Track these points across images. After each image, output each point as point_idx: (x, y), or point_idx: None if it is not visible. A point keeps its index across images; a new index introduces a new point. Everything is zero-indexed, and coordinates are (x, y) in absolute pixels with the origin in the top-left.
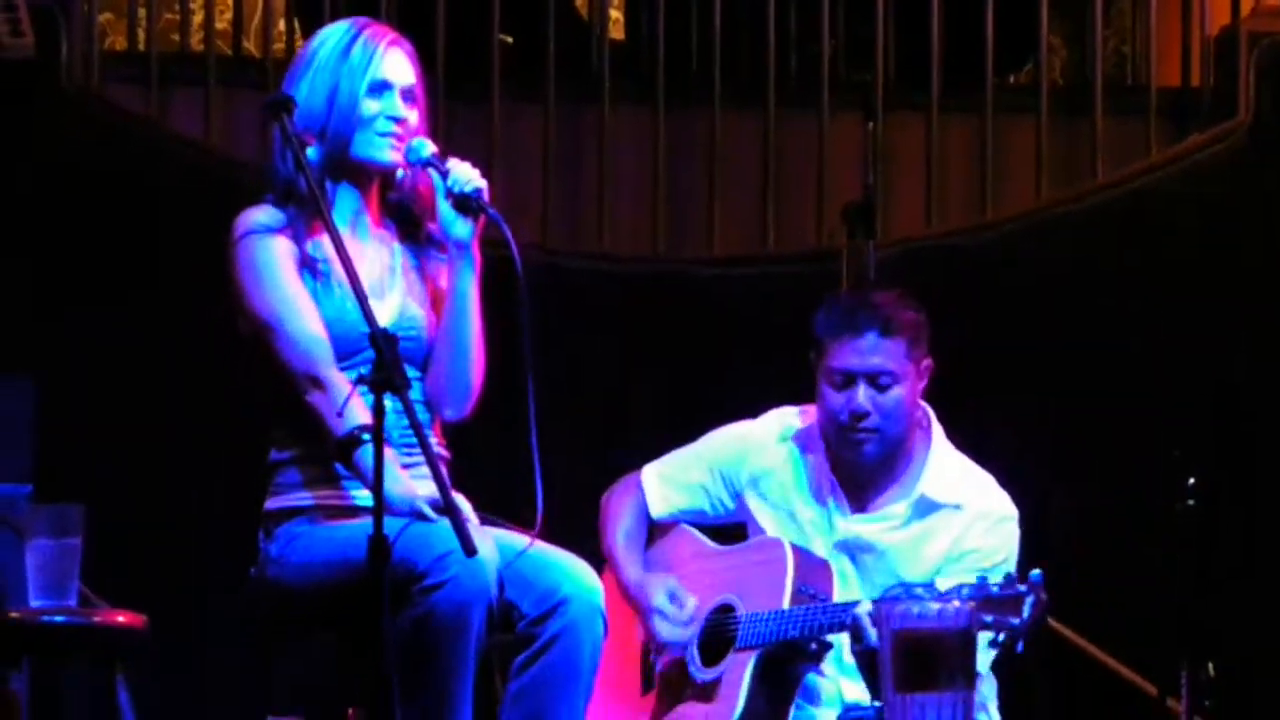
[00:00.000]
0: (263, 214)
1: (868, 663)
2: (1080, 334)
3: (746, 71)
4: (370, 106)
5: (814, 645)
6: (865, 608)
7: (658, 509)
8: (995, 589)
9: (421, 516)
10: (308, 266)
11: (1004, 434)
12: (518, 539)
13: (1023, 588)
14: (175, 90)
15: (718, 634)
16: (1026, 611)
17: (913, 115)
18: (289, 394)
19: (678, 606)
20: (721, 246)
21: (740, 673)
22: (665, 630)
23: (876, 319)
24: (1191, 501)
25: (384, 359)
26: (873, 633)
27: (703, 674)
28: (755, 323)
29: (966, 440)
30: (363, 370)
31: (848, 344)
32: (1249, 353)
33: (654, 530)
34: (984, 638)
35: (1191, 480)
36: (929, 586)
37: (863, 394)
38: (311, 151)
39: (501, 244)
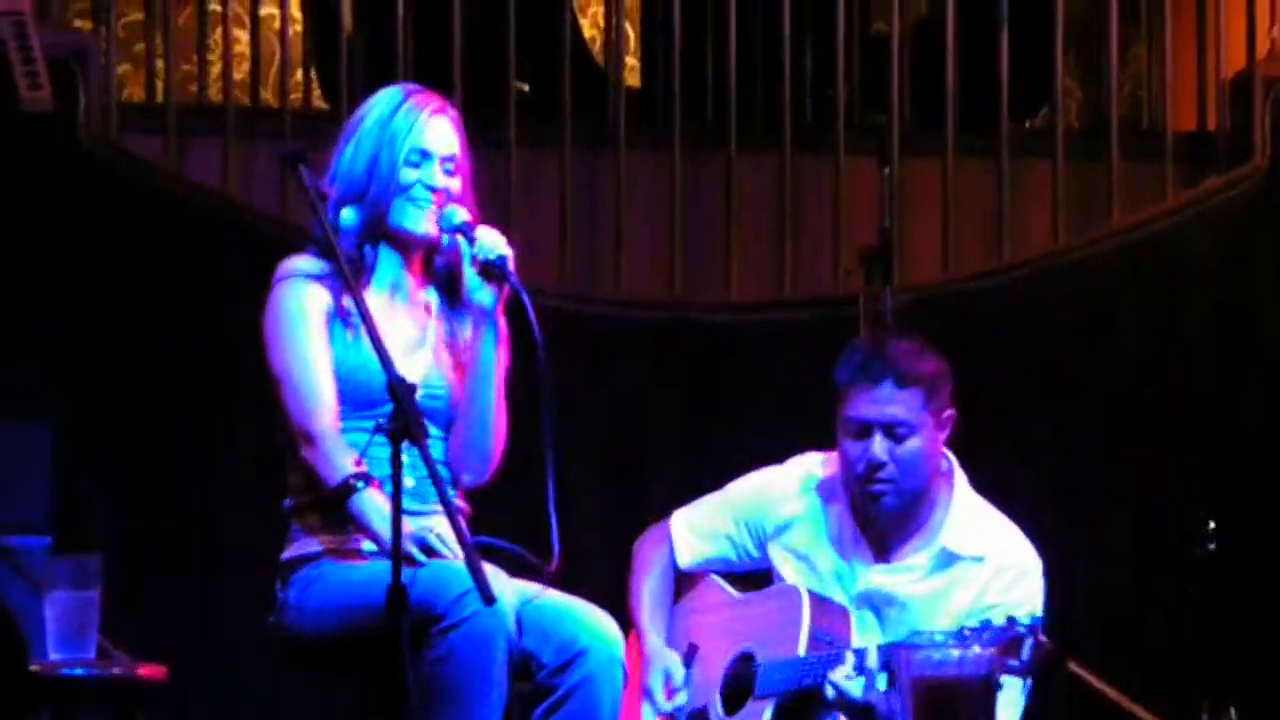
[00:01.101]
0: (305, 261)
1: (855, 717)
2: (1097, 378)
3: (762, 116)
4: (409, 175)
5: (831, 693)
6: (849, 662)
7: (685, 559)
8: (997, 632)
9: (410, 560)
10: (341, 317)
11: (1022, 479)
12: (534, 589)
13: (1022, 629)
14: (193, 141)
15: (739, 683)
16: (1025, 653)
17: (928, 159)
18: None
19: (667, 690)
20: (738, 291)
21: None
22: (645, 712)
23: (893, 369)
24: (1211, 545)
25: (401, 407)
26: (854, 685)
27: None
28: (772, 368)
29: (984, 486)
30: (381, 420)
31: (864, 393)
32: (1263, 396)
33: (682, 579)
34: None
35: (1211, 524)
36: (929, 634)
37: (879, 445)
38: (351, 214)
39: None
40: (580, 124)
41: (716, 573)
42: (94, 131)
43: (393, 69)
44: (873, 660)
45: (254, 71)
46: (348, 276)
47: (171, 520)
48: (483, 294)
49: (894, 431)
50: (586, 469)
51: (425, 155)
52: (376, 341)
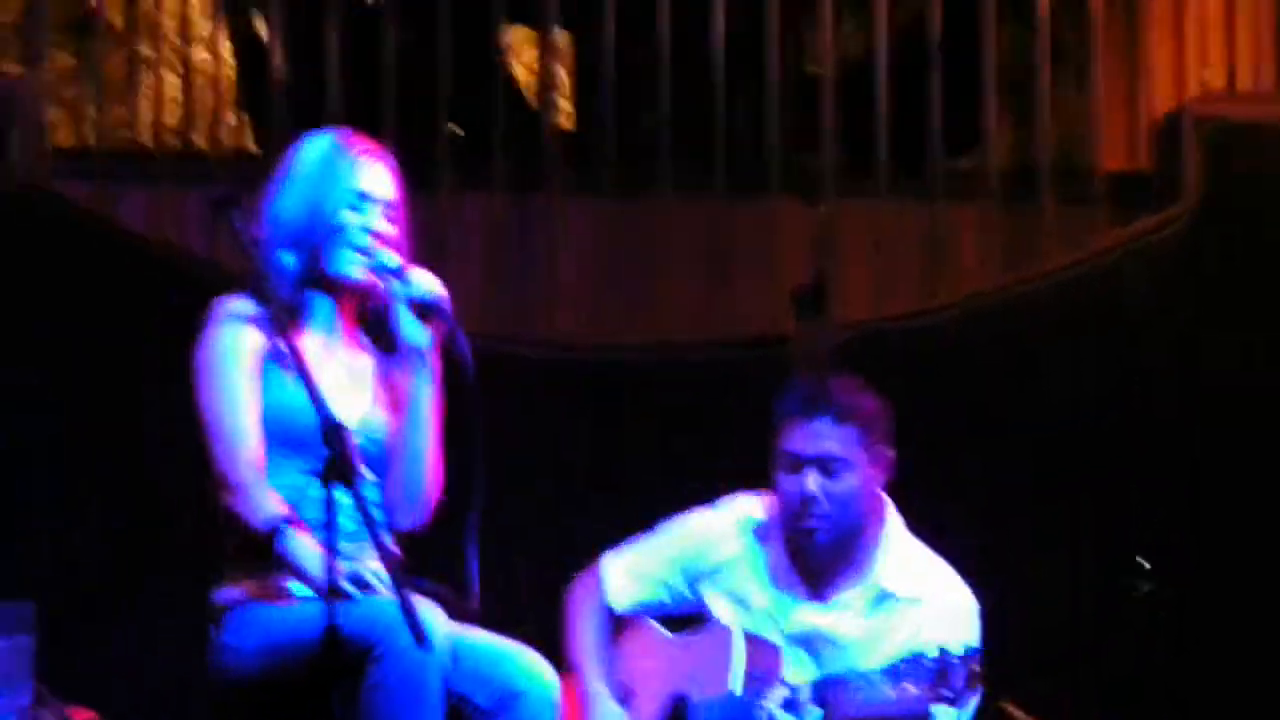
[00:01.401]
0: (239, 302)
1: None
2: (1028, 417)
3: (694, 158)
4: (349, 219)
5: None
6: (780, 693)
7: (620, 602)
8: (929, 664)
9: (345, 596)
10: (275, 359)
11: (953, 518)
12: (469, 633)
13: (955, 660)
14: (124, 185)
15: None
16: (958, 683)
17: (861, 200)
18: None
19: None
20: (670, 331)
21: None
22: None
23: (830, 405)
24: (1144, 585)
25: (335, 451)
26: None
27: None
28: (705, 408)
29: (915, 525)
30: (316, 462)
31: (800, 428)
32: (1193, 435)
33: (618, 622)
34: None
35: (1143, 564)
36: (865, 675)
37: (813, 480)
38: (289, 258)
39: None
40: (512, 166)
41: (651, 615)
42: (25, 176)
43: (324, 112)
44: (805, 695)
45: (185, 116)
46: (281, 319)
47: (105, 565)
48: (417, 335)
49: (829, 467)
50: (517, 511)
51: (363, 198)
52: (310, 384)
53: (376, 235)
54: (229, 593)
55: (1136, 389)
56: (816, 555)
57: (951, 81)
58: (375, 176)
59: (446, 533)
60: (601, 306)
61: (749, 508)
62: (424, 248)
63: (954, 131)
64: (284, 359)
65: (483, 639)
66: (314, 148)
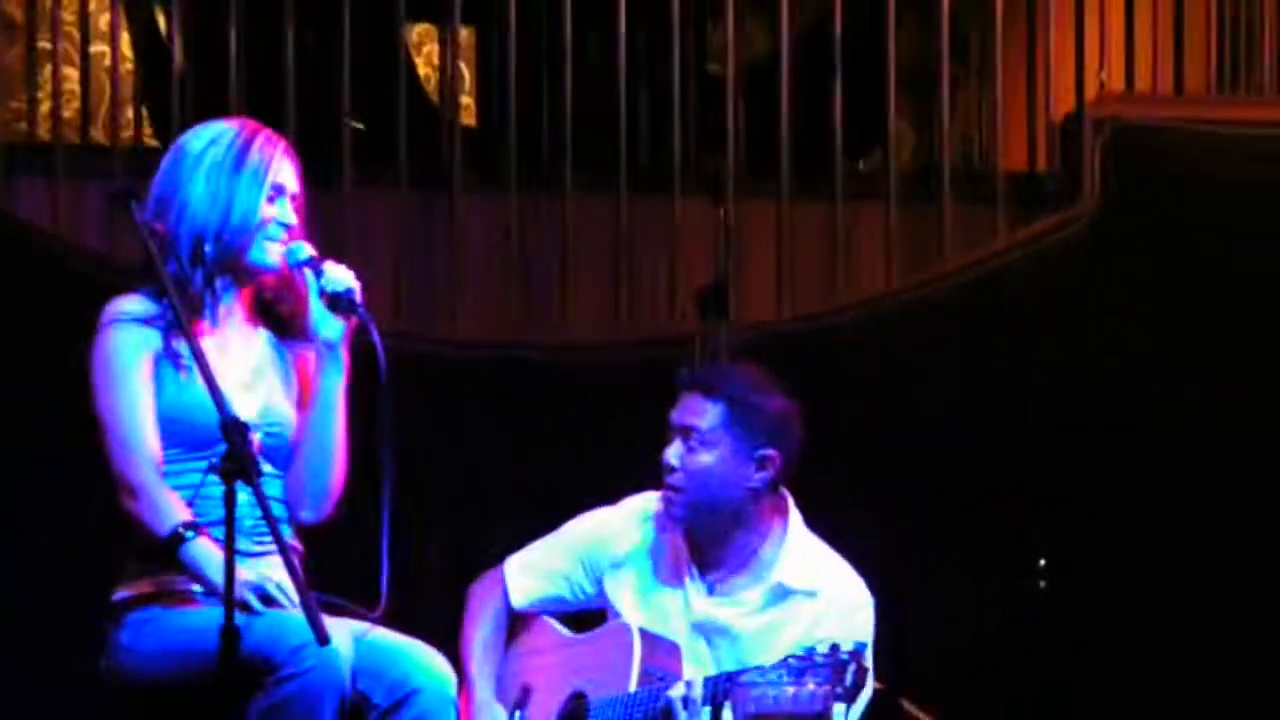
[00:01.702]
0: (133, 302)
1: None
2: (931, 417)
3: (598, 156)
4: (266, 209)
5: None
6: (679, 691)
7: (518, 599)
8: (820, 659)
9: (246, 608)
10: (170, 358)
11: (856, 518)
12: (367, 629)
13: (845, 656)
14: (22, 179)
15: None
16: (849, 679)
17: (763, 200)
18: None
19: None
20: (574, 331)
21: None
22: None
23: (706, 382)
24: (1043, 583)
25: (235, 447)
26: (683, 716)
27: None
28: (608, 406)
29: (818, 525)
30: (214, 459)
31: (677, 400)
32: (1092, 435)
33: (516, 620)
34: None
35: (1042, 562)
36: (758, 671)
37: (673, 449)
38: (203, 248)
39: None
40: (415, 163)
41: (551, 613)
42: None
43: (225, 105)
44: (697, 692)
45: (84, 109)
46: (180, 315)
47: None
48: (329, 328)
49: (688, 437)
50: (422, 509)
51: (280, 191)
52: (210, 382)
53: (289, 227)
54: (129, 590)
55: (1036, 390)
56: (718, 544)
57: (853, 82)
58: (285, 168)
59: (352, 527)
60: (505, 304)
61: (648, 503)
62: (326, 245)
63: (856, 132)
64: (179, 357)
65: (380, 635)
66: (220, 139)
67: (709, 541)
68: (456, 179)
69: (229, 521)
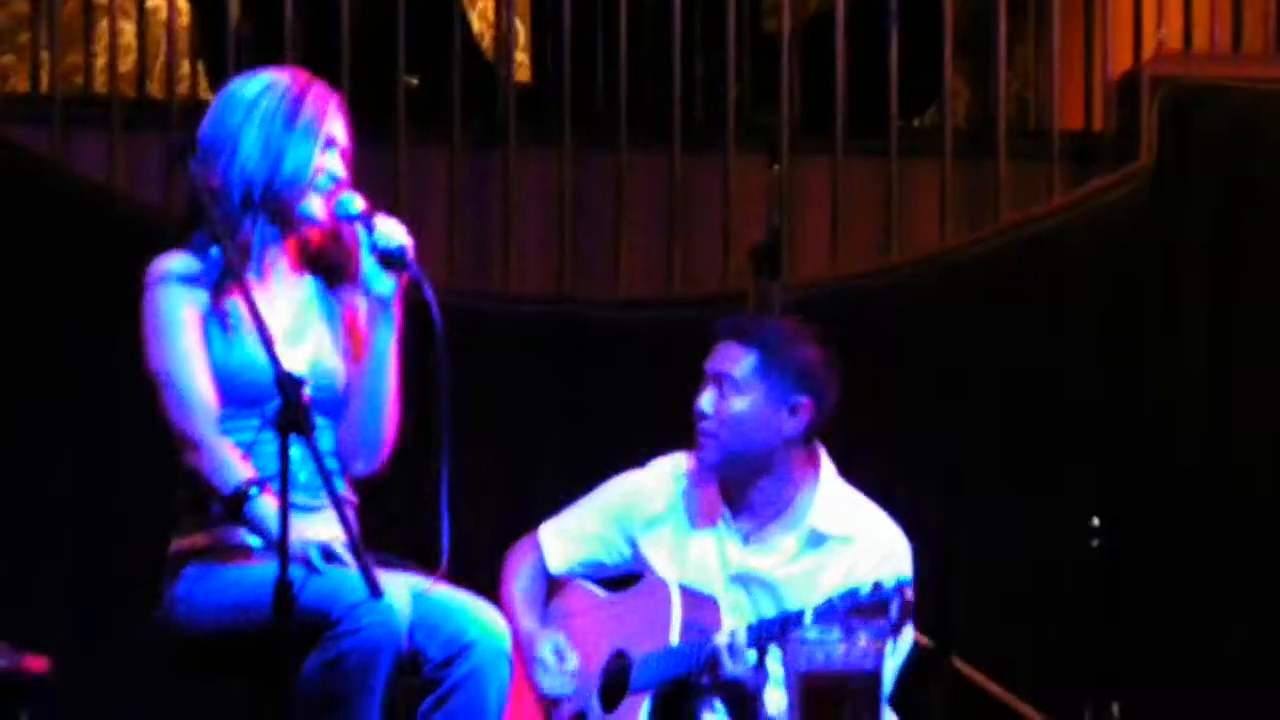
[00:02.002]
0: (178, 261)
1: (728, 695)
2: (983, 375)
3: (652, 113)
4: (319, 159)
5: (705, 679)
6: (724, 639)
7: (555, 564)
8: (864, 597)
9: (310, 565)
10: (218, 317)
11: (908, 475)
12: (422, 584)
13: (888, 591)
14: (78, 133)
15: (615, 681)
16: (894, 614)
17: (818, 157)
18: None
19: (559, 660)
20: (628, 287)
21: (634, 716)
22: (545, 682)
23: (742, 329)
24: (1096, 542)
25: (290, 402)
26: (729, 664)
27: None
28: (660, 364)
29: (870, 483)
30: (267, 414)
31: (712, 347)
32: (1146, 394)
33: (552, 586)
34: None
35: (1095, 521)
36: (799, 615)
37: (707, 396)
38: (253, 200)
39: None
40: (470, 120)
41: (588, 578)
42: None
43: (280, 60)
44: (741, 638)
45: (140, 63)
46: (236, 270)
47: (56, 510)
48: (381, 283)
49: (720, 383)
50: (474, 465)
51: (332, 143)
52: (265, 335)
53: (335, 180)
54: (186, 543)
55: (1089, 348)
56: (754, 495)
57: (910, 39)
58: (338, 121)
59: (408, 482)
60: (558, 261)
61: (679, 461)
62: (380, 201)
63: (912, 89)
64: (226, 316)
65: (437, 591)
66: (273, 89)
67: (741, 491)
68: (511, 135)
69: (284, 476)
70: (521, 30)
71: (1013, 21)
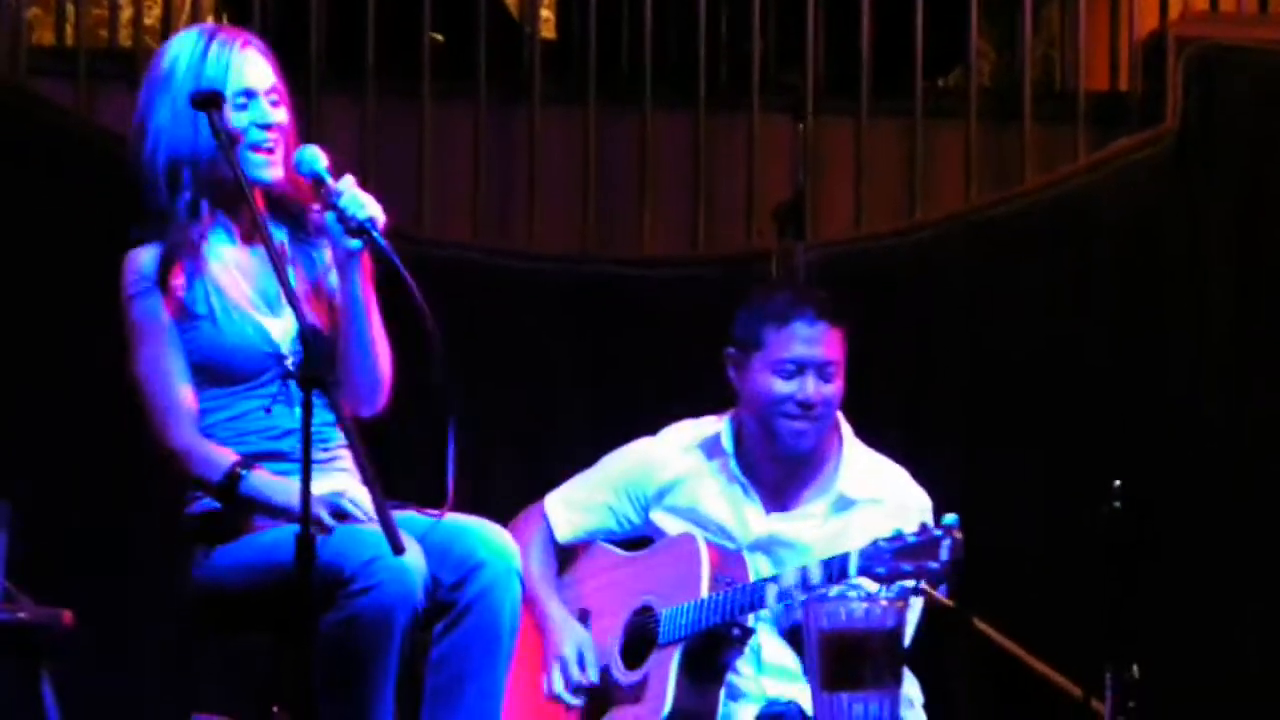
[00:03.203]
0: (148, 261)
1: (795, 639)
2: (1006, 337)
3: (677, 72)
4: (240, 119)
5: (736, 630)
6: (791, 578)
7: (564, 533)
8: (912, 538)
9: (321, 525)
10: (193, 304)
11: (929, 437)
12: (427, 512)
13: (938, 531)
14: (103, 86)
15: (639, 636)
16: (944, 553)
17: (842, 118)
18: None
19: (580, 668)
20: (651, 246)
21: (666, 669)
22: (558, 683)
23: (826, 310)
24: (1117, 504)
25: (312, 354)
26: (776, 607)
27: (627, 677)
28: (684, 322)
29: (889, 444)
30: (271, 388)
31: (799, 333)
32: (1171, 357)
33: (564, 553)
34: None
35: (1117, 483)
36: (841, 561)
37: (812, 384)
38: (184, 172)
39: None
40: (495, 77)
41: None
42: (3, 75)
43: (305, 16)
44: (816, 573)
45: (165, 16)
46: (186, 248)
47: (81, 462)
48: (346, 240)
49: (824, 370)
50: (497, 421)
51: (250, 95)
52: (287, 289)
53: (272, 127)
54: (203, 505)
55: (1114, 310)
56: (780, 464)
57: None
58: (255, 66)
59: (411, 421)
60: (582, 219)
61: (690, 429)
62: (406, 159)
63: (937, 50)
64: (197, 301)
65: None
66: (182, 52)
67: (770, 462)
68: (536, 93)
69: (305, 428)
70: None
71: None
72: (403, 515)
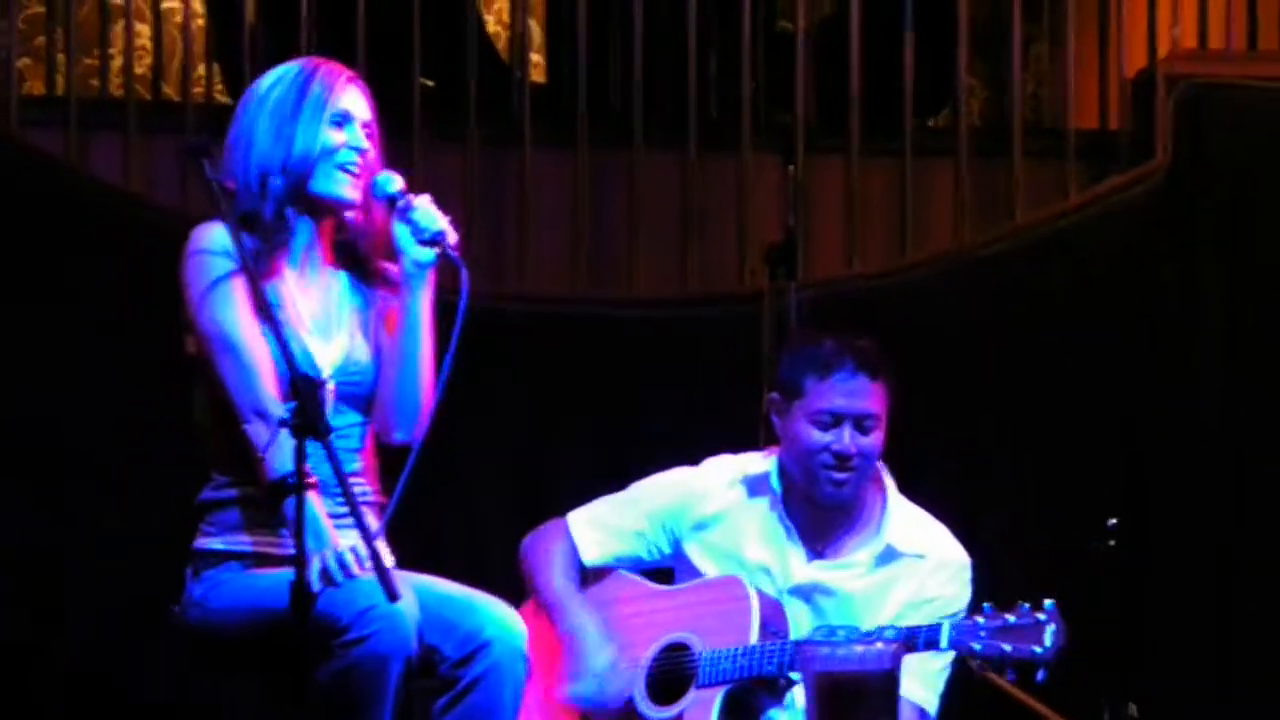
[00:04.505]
0: (220, 237)
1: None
2: (999, 376)
3: (667, 113)
4: (334, 138)
5: (783, 681)
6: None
7: (591, 555)
8: (1013, 619)
9: (329, 579)
10: (256, 306)
11: (924, 476)
12: (438, 583)
13: (1042, 616)
14: (94, 135)
15: (670, 673)
16: (1050, 639)
17: (833, 157)
18: (230, 424)
19: (615, 674)
20: (643, 287)
21: (707, 711)
22: (591, 689)
23: (867, 363)
24: (1113, 542)
25: (305, 405)
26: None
27: (657, 713)
28: (676, 363)
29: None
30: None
31: (839, 385)
32: (1164, 394)
33: (586, 575)
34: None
35: (1112, 521)
36: (931, 631)
37: (848, 435)
38: (275, 180)
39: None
40: (485, 120)
41: (623, 569)
42: None
43: None
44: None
45: (156, 65)
46: (259, 262)
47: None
48: (419, 251)
49: (863, 423)
50: (491, 461)
51: (347, 118)
52: (280, 338)
53: (363, 152)
54: (212, 542)
55: (1105, 347)
56: (826, 511)
57: (924, 38)
58: (354, 96)
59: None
60: (574, 261)
61: (737, 465)
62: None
63: (926, 89)
64: (256, 308)
65: (451, 589)
66: (285, 76)
67: (816, 510)
68: (526, 136)
69: (299, 477)
70: (536, 31)
71: (1027, 20)
72: (400, 576)
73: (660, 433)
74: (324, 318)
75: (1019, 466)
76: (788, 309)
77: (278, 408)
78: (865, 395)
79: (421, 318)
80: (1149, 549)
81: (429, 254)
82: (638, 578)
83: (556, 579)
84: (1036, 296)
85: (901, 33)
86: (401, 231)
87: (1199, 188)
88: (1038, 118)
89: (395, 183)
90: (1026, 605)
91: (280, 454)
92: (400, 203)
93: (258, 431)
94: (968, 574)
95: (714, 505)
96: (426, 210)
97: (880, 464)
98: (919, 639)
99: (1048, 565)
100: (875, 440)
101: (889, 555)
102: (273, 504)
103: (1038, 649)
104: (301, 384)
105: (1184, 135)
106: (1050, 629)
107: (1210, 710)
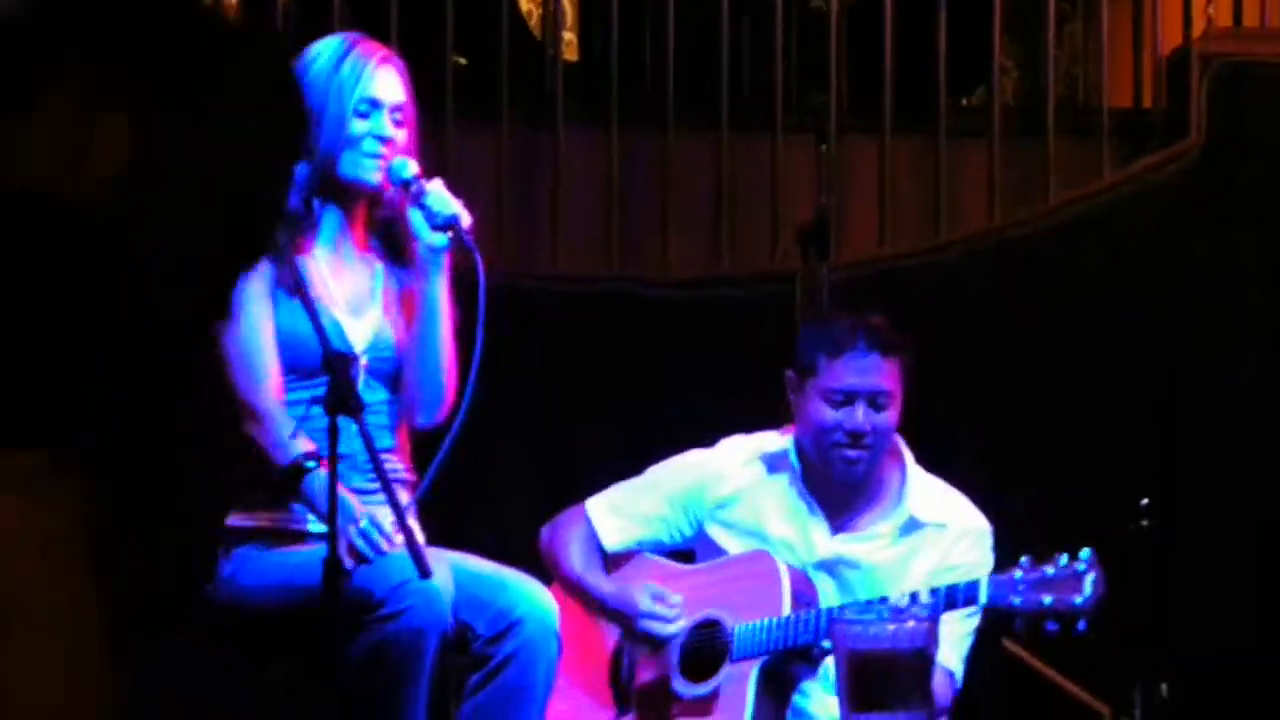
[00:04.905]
0: None
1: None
2: (1032, 356)
3: (700, 93)
4: (358, 125)
5: (817, 650)
6: (900, 600)
7: (612, 540)
8: (1051, 571)
9: (358, 555)
10: (284, 284)
11: (956, 455)
12: (469, 560)
13: (1080, 565)
14: None
15: (702, 649)
16: (1089, 588)
17: (866, 137)
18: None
19: (666, 605)
20: (675, 267)
21: (743, 685)
22: (660, 628)
23: (879, 340)
24: (1145, 522)
25: (338, 381)
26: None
27: (692, 689)
28: (709, 344)
29: (918, 462)
30: (321, 391)
31: (851, 363)
32: (1198, 373)
33: (607, 561)
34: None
35: (1145, 500)
36: (969, 588)
37: (861, 413)
38: (300, 167)
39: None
40: (518, 99)
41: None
42: None
43: None
44: (925, 600)
45: None
46: (288, 241)
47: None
48: (433, 236)
49: (876, 401)
50: (520, 442)
51: (375, 105)
52: (313, 314)
53: (388, 141)
54: (241, 519)
55: (1141, 326)
56: (844, 486)
57: (958, 17)
58: (386, 80)
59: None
60: (606, 241)
61: (752, 444)
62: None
63: (960, 68)
64: (290, 285)
65: (483, 567)
66: (321, 53)
67: (834, 485)
68: (559, 115)
69: (332, 455)
70: (569, 9)
71: (1062, 0)
72: (435, 553)
73: (689, 414)
74: (355, 297)
75: (1051, 446)
76: (820, 289)
77: (271, 402)
78: (878, 372)
79: (439, 302)
80: (1181, 528)
81: (442, 239)
82: (662, 559)
83: (581, 563)
84: (1070, 276)
85: (935, 12)
86: (415, 216)
87: (1234, 166)
88: (1071, 97)
89: (410, 167)
90: (1064, 555)
91: (282, 444)
92: (414, 188)
93: (256, 432)
94: (989, 540)
95: (732, 485)
96: (440, 195)
97: (897, 435)
98: (959, 596)
99: (1080, 545)
100: (889, 417)
101: (911, 525)
102: (289, 489)
103: (1077, 599)
104: (334, 360)
105: (1219, 114)
106: (1090, 577)
107: (1242, 690)
